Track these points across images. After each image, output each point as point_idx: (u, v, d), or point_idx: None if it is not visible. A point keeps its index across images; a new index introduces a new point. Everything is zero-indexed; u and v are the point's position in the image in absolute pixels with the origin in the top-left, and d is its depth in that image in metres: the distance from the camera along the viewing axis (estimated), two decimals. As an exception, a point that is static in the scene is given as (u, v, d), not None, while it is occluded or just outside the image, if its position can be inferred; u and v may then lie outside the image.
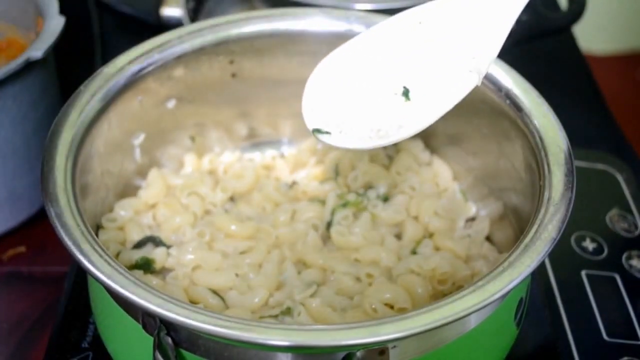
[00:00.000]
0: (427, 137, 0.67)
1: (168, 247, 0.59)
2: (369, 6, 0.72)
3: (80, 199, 0.49)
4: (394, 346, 0.44)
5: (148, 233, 0.60)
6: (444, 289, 0.56)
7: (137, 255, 0.58)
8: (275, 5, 0.64)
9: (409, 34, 0.51)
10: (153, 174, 0.63)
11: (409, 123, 0.49)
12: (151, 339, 0.45)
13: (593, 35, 1.10)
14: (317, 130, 0.51)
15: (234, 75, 0.64)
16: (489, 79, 0.57)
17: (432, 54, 0.50)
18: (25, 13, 0.70)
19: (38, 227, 0.70)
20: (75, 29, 0.70)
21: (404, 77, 0.50)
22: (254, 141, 0.69)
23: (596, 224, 0.70)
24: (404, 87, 0.50)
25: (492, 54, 0.49)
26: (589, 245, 0.68)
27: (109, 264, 0.44)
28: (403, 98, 0.50)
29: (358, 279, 0.57)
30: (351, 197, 0.63)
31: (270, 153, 0.69)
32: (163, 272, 0.58)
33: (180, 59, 0.60)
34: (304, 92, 0.53)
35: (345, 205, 0.62)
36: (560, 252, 0.67)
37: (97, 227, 0.59)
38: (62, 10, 0.66)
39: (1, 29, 0.72)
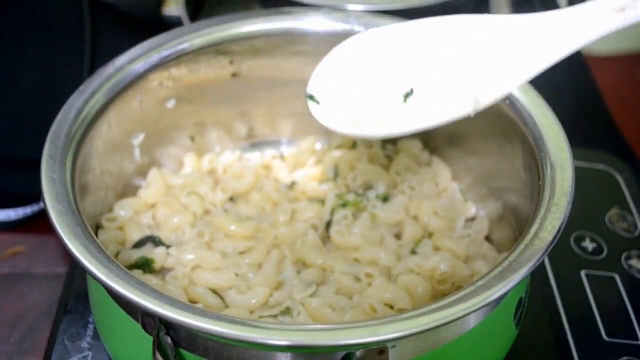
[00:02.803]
0: (427, 137, 0.67)
1: (167, 246, 0.59)
2: (368, 7, 0.72)
3: (80, 198, 0.49)
4: (393, 346, 0.44)
5: (148, 233, 0.60)
6: (443, 289, 0.56)
7: (136, 254, 0.58)
8: (275, 5, 0.64)
9: (447, 39, 0.50)
10: (153, 173, 0.63)
11: (394, 124, 0.49)
12: (150, 338, 0.45)
13: (593, 35, 1.09)
14: (311, 97, 0.52)
15: (233, 75, 0.64)
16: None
17: (455, 66, 0.49)
18: None
19: (38, 227, 0.70)
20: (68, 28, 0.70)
21: (416, 78, 0.50)
22: (254, 141, 0.69)
23: (596, 224, 0.70)
24: (410, 89, 0.50)
25: (503, 91, 0.48)
26: (589, 245, 0.68)
27: (108, 263, 0.44)
28: (402, 98, 0.49)
29: (357, 279, 0.57)
30: (350, 197, 0.63)
31: (269, 153, 0.69)
32: (162, 271, 0.58)
33: (180, 59, 0.60)
34: (322, 60, 0.53)
35: (344, 205, 0.62)
36: (560, 252, 0.67)
37: (97, 227, 0.59)
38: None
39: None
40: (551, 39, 0.46)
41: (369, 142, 0.67)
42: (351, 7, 0.67)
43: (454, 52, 0.50)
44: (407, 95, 0.50)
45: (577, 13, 0.46)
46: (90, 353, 0.57)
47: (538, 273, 0.65)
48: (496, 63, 0.48)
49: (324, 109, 0.51)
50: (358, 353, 0.42)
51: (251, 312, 0.55)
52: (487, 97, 0.48)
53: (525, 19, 0.48)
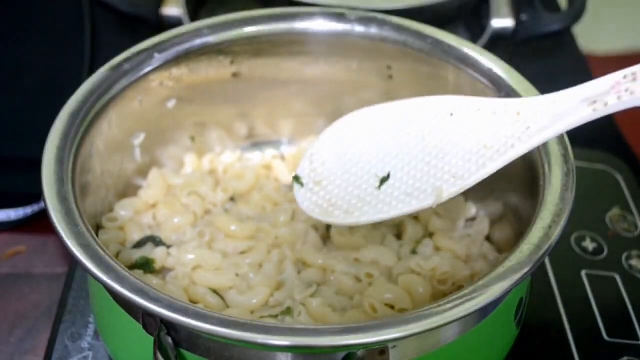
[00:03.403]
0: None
1: (168, 247, 0.59)
2: (368, 7, 0.72)
3: (80, 199, 0.49)
4: (394, 346, 0.44)
5: (148, 233, 0.60)
6: (444, 289, 0.56)
7: (137, 255, 0.58)
8: (276, 5, 0.64)
9: (432, 120, 0.51)
10: (153, 173, 0.63)
11: (367, 211, 0.51)
12: (151, 339, 0.45)
13: (593, 35, 1.10)
14: (297, 178, 0.55)
15: (234, 75, 0.64)
16: (489, 78, 0.57)
17: (431, 151, 0.50)
18: None
19: (38, 227, 0.70)
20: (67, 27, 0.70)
21: (395, 162, 0.51)
22: (254, 141, 0.69)
23: (596, 224, 0.70)
24: (387, 173, 0.51)
25: (468, 183, 0.48)
26: (589, 245, 0.68)
27: (109, 264, 0.44)
28: (378, 183, 0.51)
29: (358, 279, 0.57)
30: (351, 197, 0.63)
31: (270, 153, 0.69)
32: (163, 271, 0.58)
33: (180, 58, 0.60)
34: (314, 143, 0.55)
35: (345, 205, 0.62)
36: (561, 253, 0.67)
37: (97, 227, 0.59)
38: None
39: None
40: (524, 129, 0.47)
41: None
42: (351, 7, 0.67)
43: (435, 135, 0.51)
44: (383, 181, 0.51)
45: (551, 102, 0.46)
46: (90, 353, 0.57)
47: (539, 273, 0.65)
48: (466, 154, 0.49)
49: (304, 193, 0.54)
50: (359, 353, 0.42)
51: (252, 312, 0.55)
52: (449, 191, 0.48)
53: (505, 105, 0.49)
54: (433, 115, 0.51)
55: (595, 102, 0.44)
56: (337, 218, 0.52)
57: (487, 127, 0.48)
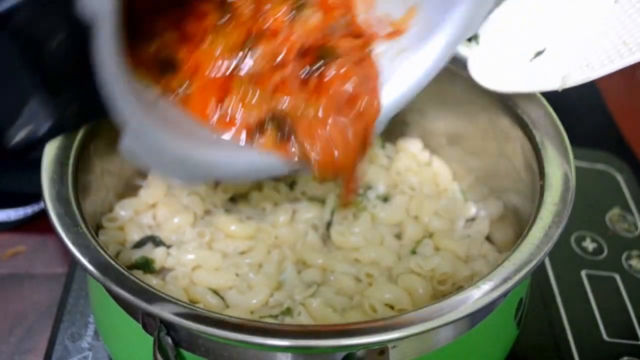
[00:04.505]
0: (427, 137, 0.67)
1: (168, 247, 0.59)
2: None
3: (80, 199, 0.49)
4: (394, 346, 0.44)
5: (148, 233, 0.60)
6: (444, 289, 0.56)
7: (136, 255, 0.58)
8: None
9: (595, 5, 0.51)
10: (153, 173, 0.63)
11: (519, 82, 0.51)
12: (151, 339, 0.45)
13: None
14: (475, 37, 0.53)
15: (234, 75, 0.64)
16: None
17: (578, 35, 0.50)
18: None
19: (38, 227, 0.70)
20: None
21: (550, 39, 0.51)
22: (254, 141, 0.69)
23: (596, 224, 0.70)
24: (543, 48, 0.51)
25: (595, 74, 0.49)
26: (589, 245, 0.68)
27: (108, 264, 0.44)
28: (533, 55, 0.51)
29: (358, 279, 0.57)
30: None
31: (270, 153, 0.69)
32: (162, 272, 0.58)
33: (180, 58, 0.60)
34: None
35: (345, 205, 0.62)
36: (560, 252, 0.67)
37: (97, 227, 0.59)
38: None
39: None
40: None
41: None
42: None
43: (590, 20, 0.50)
44: (538, 54, 0.51)
45: None
46: (90, 353, 0.57)
47: (539, 273, 0.65)
48: (605, 45, 0.49)
49: (478, 53, 0.53)
50: (359, 353, 0.42)
51: (252, 312, 0.55)
52: (575, 78, 0.49)
53: None
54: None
55: None
56: (495, 84, 0.52)
57: (634, 24, 0.48)
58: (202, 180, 0.46)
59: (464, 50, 0.54)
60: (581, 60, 0.49)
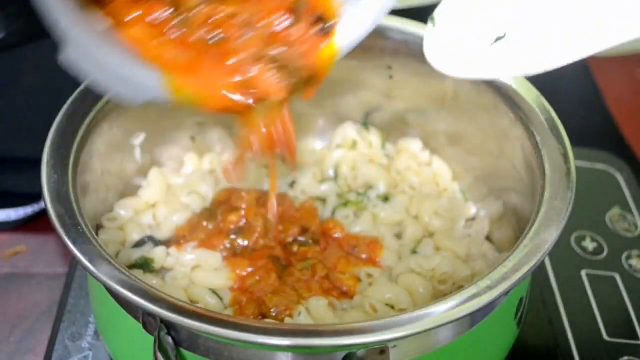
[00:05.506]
0: (427, 137, 0.67)
1: (168, 246, 0.59)
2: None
3: (80, 198, 0.49)
4: (395, 346, 0.44)
5: (148, 233, 0.60)
6: (444, 289, 0.56)
7: (136, 254, 0.58)
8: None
9: None
10: (153, 173, 0.63)
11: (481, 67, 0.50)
12: (151, 338, 0.45)
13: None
14: (432, 19, 0.52)
15: (234, 75, 0.64)
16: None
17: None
18: None
19: (38, 227, 0.70)
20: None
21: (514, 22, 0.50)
22: (254, 141, 0.69)
23: (596, 224, 0.70)
24: (503, 33, 0.49)
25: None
26: (589, 245, 0.68)
27: (109, 263, 0.44)
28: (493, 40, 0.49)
29: (358, 279, 0.57)
30: (352, 197, 0.63)
31: (270, 153, 0.69)
32: (162, 271, 0.58)
33: (180, 58, 0.60)
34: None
35: (345, 204, 0.62)
36: (561, 252, 0.67)
37: (97, 227, 0.59)
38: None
39: None
40: None
41: (369, 142, 0.67)
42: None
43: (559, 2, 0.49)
44: (498, 39, 0.49)
45: None
46: (90, 353, 0.57)
47: (539, 273, 0.65)
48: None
49: (434, 35, 0.51)
50: (359, 353, 0.42)
51: (252, 312, 0.55)
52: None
53: None
54: None
55: None
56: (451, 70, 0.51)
57: (597, 10, 0.47)
58: (143, 99, 0.46)
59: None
60: (544, 47, 0.48)
